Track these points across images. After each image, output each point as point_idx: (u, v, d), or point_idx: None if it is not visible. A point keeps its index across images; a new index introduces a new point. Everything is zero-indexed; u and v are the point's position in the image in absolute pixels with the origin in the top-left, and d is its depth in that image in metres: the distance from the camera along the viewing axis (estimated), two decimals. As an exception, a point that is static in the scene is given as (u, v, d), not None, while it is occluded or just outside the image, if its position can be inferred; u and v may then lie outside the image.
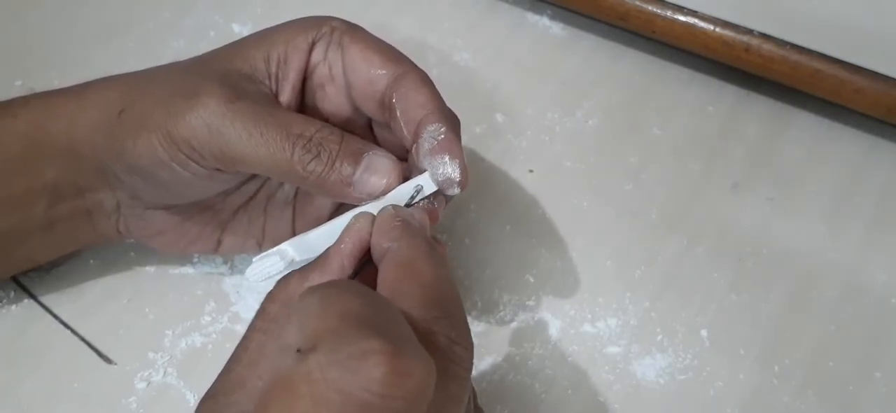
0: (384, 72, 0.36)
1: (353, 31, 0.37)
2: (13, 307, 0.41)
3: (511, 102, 0.50)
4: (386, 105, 0.36)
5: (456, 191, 0.34)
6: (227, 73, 0.35)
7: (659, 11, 0.50)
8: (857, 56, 0.46)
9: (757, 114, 0.50)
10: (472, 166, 0.47)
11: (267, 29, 0.38)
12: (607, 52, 0.53)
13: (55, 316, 0.40)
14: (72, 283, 0.42)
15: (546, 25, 0.54)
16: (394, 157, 0.35)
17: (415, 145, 0.35)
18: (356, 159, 0.34)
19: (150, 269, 0.42)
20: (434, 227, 0.35)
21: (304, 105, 0.38)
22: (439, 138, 0.34)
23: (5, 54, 0.51)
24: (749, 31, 0.48)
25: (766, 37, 0.48)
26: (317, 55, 0.37)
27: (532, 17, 0.54)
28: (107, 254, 0.42)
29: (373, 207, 0.34)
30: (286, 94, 0.37)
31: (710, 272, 0.43)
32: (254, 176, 0.39)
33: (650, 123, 0.50)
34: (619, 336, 0.41)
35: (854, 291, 0.43)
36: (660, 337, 0.41)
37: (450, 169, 0.34)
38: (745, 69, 0.49)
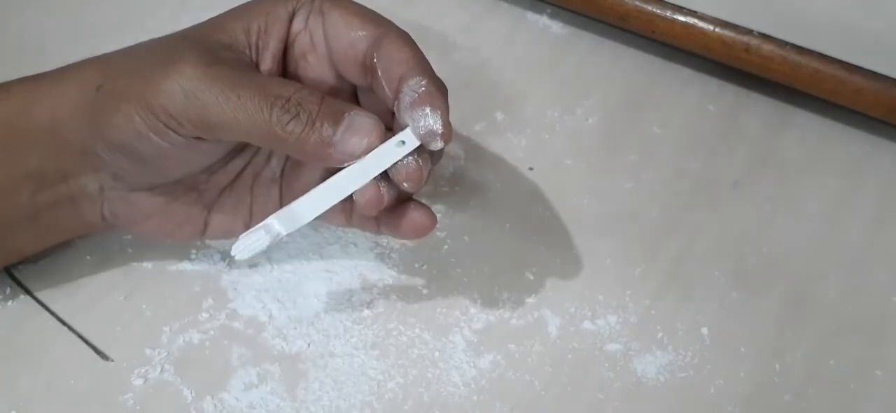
0: (364, 33, 0.35)
1: None
2: (9, 303, 0.40)
3: (511, 100, 0.50)
4: (368, 67, 0.35)
5: (439, 144, 0.34)
6: (205, 43, 0.35)
7: (659, 11, 0.50)
8: (857, 56, 0.46)
9: (757, 113, 0.50)
10: (472, 164, 0.47)
11: (247, 3, 0.37)
12: (607, 52, 0.53)
13: (52, 312, 0.40)
14: (68, 280, 0.41)
15: (546, 24, 0.54)
16: (376, 117, 0.34)
17: (396, 102, 0.34)
18: (337, 119, 0.33)
19: (148, 265, 0.42)
20: (420, 190, 0.34)
21: (288, 76, 0.37)
22: (420, 91, 0.33)
23: (1, 52, 0.50)
24: (749, 31, 0.48)
25: (766, 37, 0.48)
26: (297, 24, 0.37)
27: (532, 16, 0.54)
28: (104, 250, 0.42)
29: (357, 169, 0.33)
30: (267, 63, 0.36)
31: (711, 270, 0.43)
32: (238, 153, 0.38)
33: (650, 123, 0.50)
34: (620, 333, 0.41)
35: (854, 291, 0.43)
36: (660, 335, 0.41)
37: (431, 120, 0.33)
38: (745, 69, 0.49)
